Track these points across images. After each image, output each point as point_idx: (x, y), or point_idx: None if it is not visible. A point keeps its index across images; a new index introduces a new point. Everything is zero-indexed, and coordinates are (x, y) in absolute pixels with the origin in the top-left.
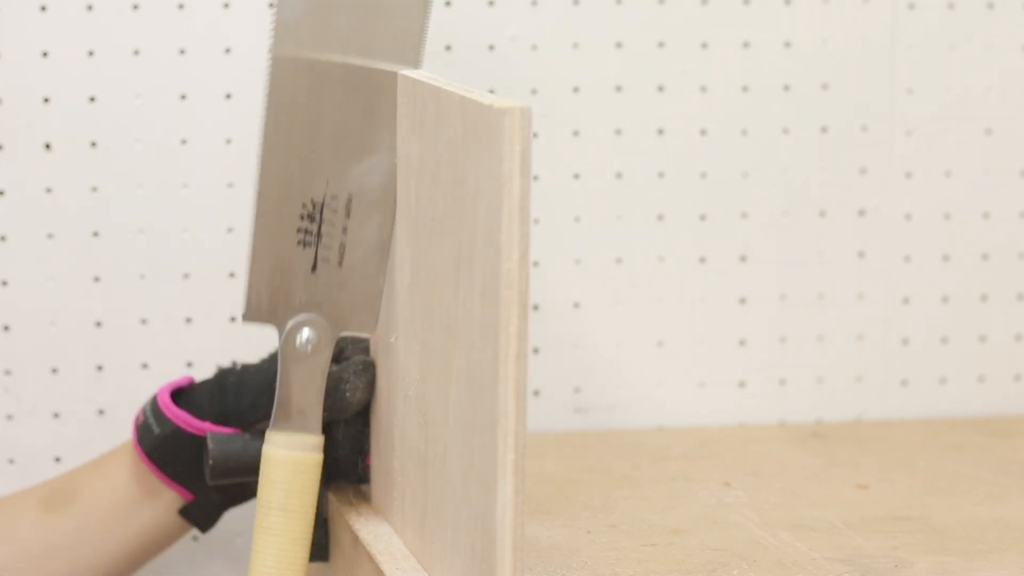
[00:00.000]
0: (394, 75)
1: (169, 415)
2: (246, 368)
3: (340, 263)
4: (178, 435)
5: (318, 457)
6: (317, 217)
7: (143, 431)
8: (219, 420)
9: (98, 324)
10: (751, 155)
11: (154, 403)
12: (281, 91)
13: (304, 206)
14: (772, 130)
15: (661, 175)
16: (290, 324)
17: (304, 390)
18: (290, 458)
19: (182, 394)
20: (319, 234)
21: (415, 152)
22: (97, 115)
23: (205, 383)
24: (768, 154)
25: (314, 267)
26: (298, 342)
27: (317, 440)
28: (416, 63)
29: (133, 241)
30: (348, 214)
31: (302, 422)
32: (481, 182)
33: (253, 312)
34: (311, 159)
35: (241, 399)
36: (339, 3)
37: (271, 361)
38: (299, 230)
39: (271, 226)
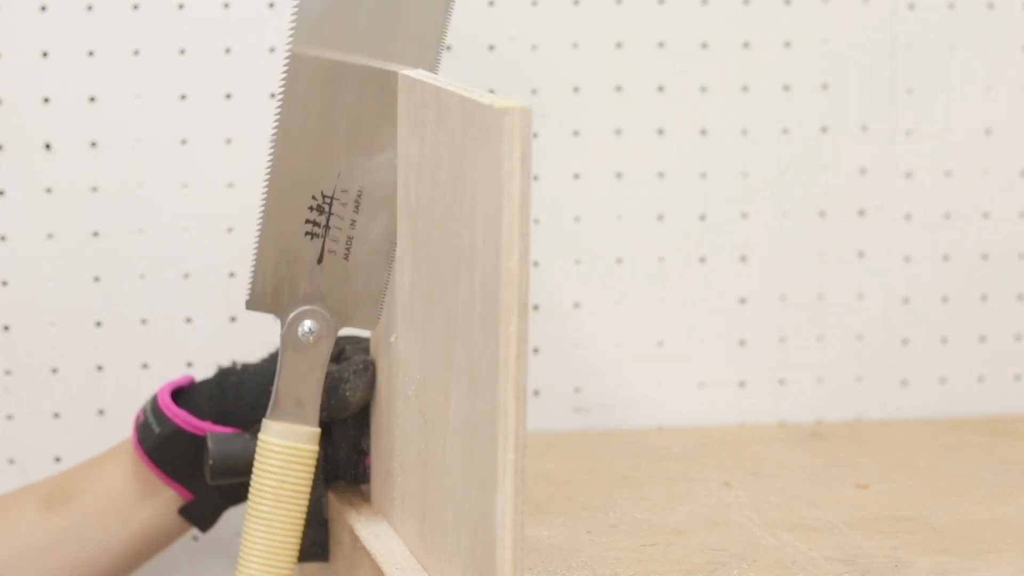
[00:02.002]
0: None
1: (169, 415)
2: (246, 368)
3: (347, 256)
4: (178, 435)
5: (313, 448)
6: (326, 209)
7: (143, 430)
8: (219, 420)
9: (98, 324)
10: (751, 155)
11: (154, 403)
12: (297, 85)
13: (314, 198)
14: (772, 130)
15: (661, 175)
16: (293, 314)
17: (303, 381)
18: (285, 448)
19: (182, 394)
20: (327, 226)
21: (415, 152)
22: (97, 115)
23: (205, 383)
24: (768, 154)
25: (320, 259)
26: (300, 332)
27: (313, 432)
28: (433, 67)
29: (133, 241)
30: (357, 208)
31: (299, 413)
32: (481, 182)
33: (257, 301)
34: (324, 152)
35: (241, 399)
36: (360, 2)
37: (271, 361)
38: (308, 221)
39: (280, 216)
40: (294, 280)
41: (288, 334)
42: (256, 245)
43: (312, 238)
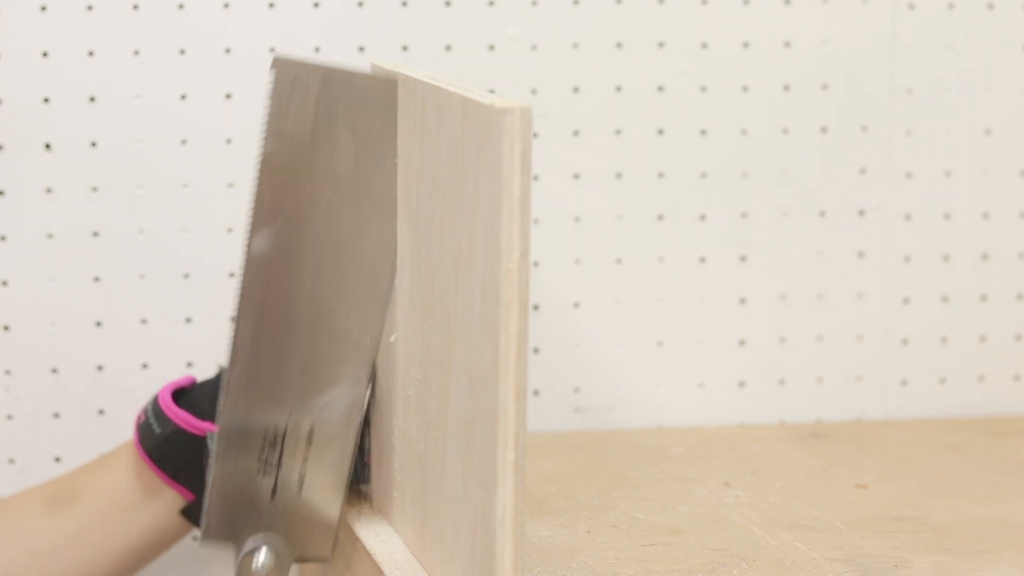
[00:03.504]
0: (363, 316)
1: (170, 415)
2: None
3: (299, 492)
4: (179, 435)
5: None
6: (279, 445)
7: (144, 431)
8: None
9: (98, 324)
10: (751, 155)
11: (155, 403)
12: (246, 320)
13: (265, 437)
14: (772, 130)
15: (661, 175)
16: (247, 548)
17: None
18: None
19: (183, 394)
20: (279, 463)
21: (415, 152)
22: (97, 115)
23: (206, 383)
24: (768, 154)
25: (273, 494)
26: (254, 566)
27: None
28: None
29: (133, 241)
30: (310, 442)
31: None
32: (481, 182)
33: (212, 533)
34: (276, 388)
35: None
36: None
37: None
38: (260, 460)
39: (233, 454)
40: (248, 515)
41: (242, 567)
42: (209, 481)
43: (264, 475)
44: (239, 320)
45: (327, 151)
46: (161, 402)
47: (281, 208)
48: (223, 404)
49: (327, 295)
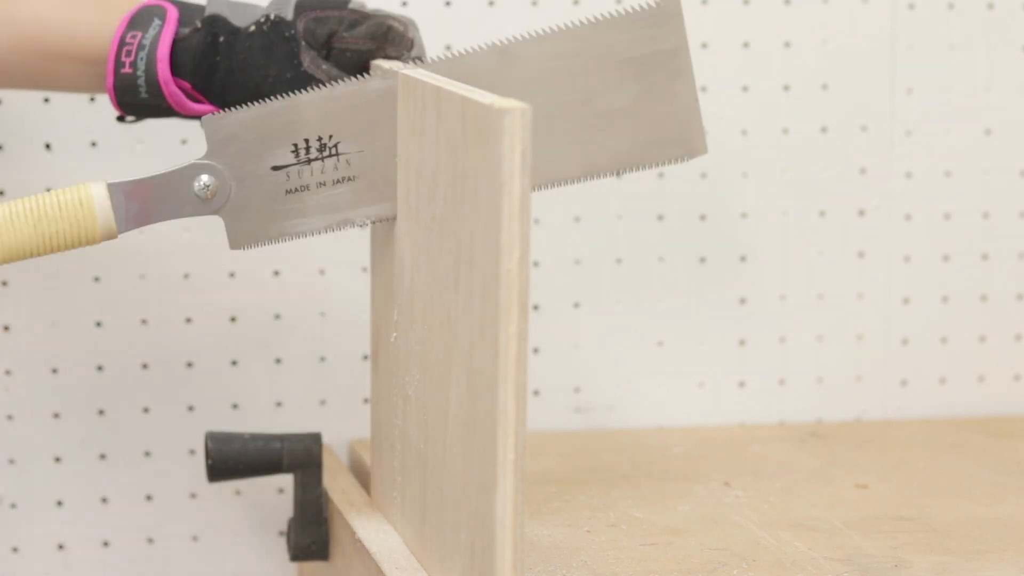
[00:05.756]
0: None
1: (167, 92)
2: (235, 54)
3: None
4: (163, 109)
5: None
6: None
7: (126, 84)
8: (201, 94)
9: (98, 324)
10: (751, 155)
11: (151, 68)
12: None
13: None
14: (772, 130)
15: (661, 175)
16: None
17: None
18: None
19: (174, 57)
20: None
21: (415, 152)
22: (98, 115)
23: (198, 53)
24: (768, 154)
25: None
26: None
27: None
28: None
29: (133, 241)
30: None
31: None
32: (481, 182)
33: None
34: None
35: (228, 91)
36: None
37: (263, 36)
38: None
39: None
40: None
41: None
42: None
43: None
44: None
45: None
46: (160, 77)
47: None
48: None
49: None
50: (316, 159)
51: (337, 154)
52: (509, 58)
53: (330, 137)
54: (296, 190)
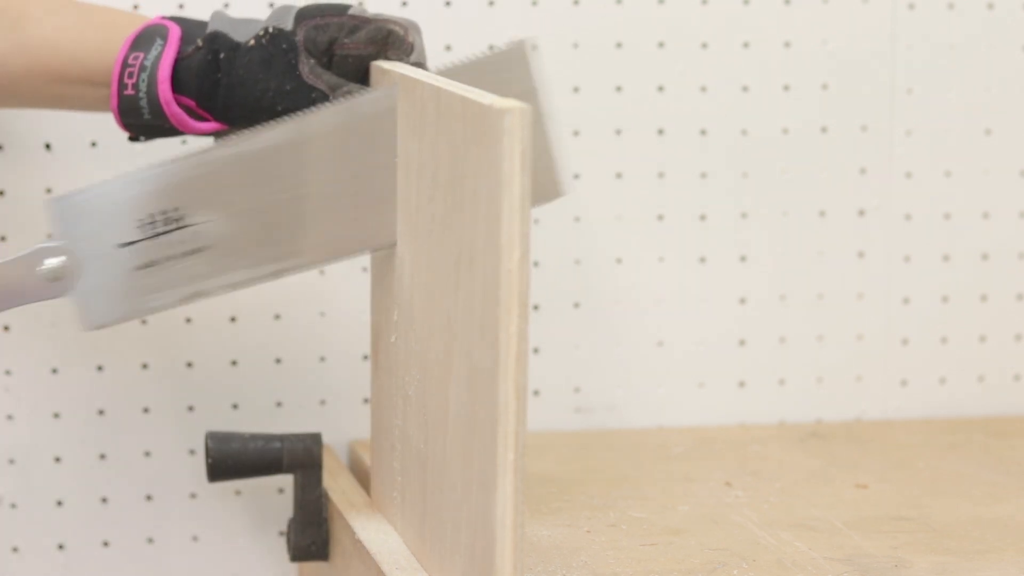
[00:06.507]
0: None
1: (168, 112)
2: (235, 71)
3: None
4: (167, 129)
5: None
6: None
7: (130, 106)
8: (206, 110)
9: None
10: (751, 155)
11: (152, 90)
12: None
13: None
14: (772, 130)
15: (661, 175)
16: None
17: None
18: None
19: (176, 75)
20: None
21: (415, 152)
22: (99, 115)
23: (200, 71)
24: (768, 154)
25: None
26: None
27: None
28: None
29: None
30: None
31: None
32: (481, 182)
33: None
34: None
35: (230, 108)
36: None
37: (262, 49)
38: None
39: None
40: None
41: None
42: None
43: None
44: None
45: None
46: (162, 97)
47: None
48: None
49: None
50: (163, 233)
51: (183, 226)
52: None
53: (175, 209)
54: (146, 265)
